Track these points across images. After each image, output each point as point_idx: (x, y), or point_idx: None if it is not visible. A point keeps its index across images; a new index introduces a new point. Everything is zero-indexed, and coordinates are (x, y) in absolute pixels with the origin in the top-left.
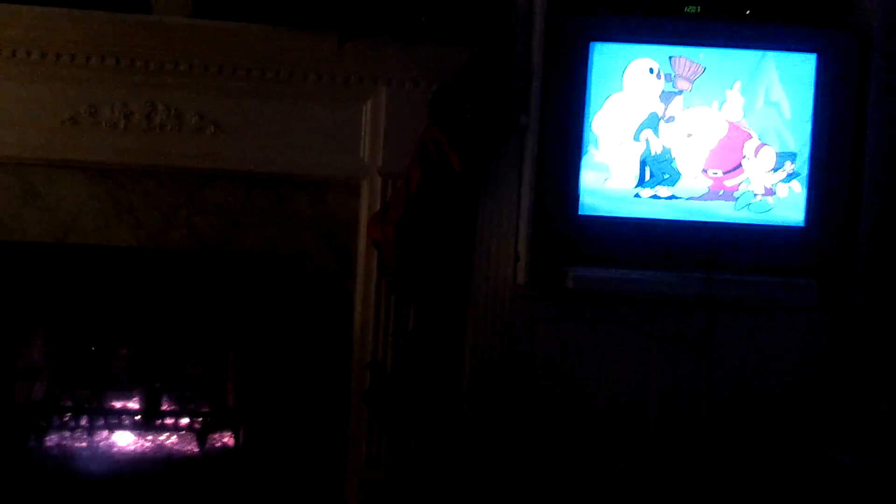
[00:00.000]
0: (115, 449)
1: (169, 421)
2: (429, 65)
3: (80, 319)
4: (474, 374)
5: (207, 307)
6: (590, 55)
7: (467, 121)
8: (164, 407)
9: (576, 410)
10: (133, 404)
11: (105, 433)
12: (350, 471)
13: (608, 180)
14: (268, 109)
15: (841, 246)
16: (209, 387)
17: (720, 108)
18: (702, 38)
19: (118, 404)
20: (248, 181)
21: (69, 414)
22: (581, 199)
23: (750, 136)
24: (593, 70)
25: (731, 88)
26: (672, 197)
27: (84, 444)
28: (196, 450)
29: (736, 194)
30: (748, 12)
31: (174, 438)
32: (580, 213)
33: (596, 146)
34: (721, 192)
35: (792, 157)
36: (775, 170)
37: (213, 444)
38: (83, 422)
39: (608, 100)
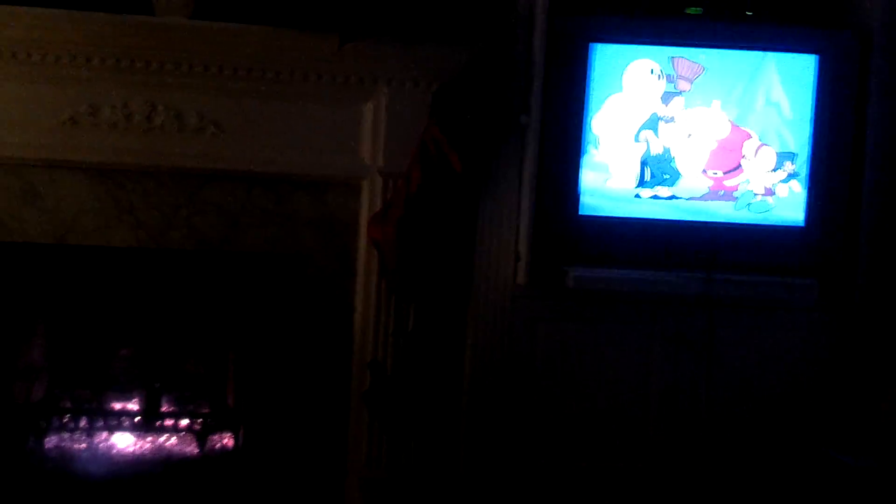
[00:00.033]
0: (115, 450)
1: (169, 422)
2: (429, 65)
3: (80, 320)
4: (475, 374)
5: (207, 307)
6: (590, 56)
7: (468, 121)
8: (164, 408)
9: (576, 410)
10: (133, 405)
11: (105, 434)
12: (350, 471)
13: (608, 180)
14: (268, 110)
15: (841, 246)
16: (209, 387)
17: (720, 109)
18: (702, 38)
19: (118, 405)
20: (249, 181)
21: (69, 415)
22: (581, 199)
23: (750, 137)
24: (594, 70)
25: (731, 89)
26: (672, 197)
27: (84, 445)
28: (196, 450)
29: (736, 194)
30: (749, 13)
31: (174, 439)
32: (580, 213)
33: (596, 146)
34: (721, 193)
35: (792, 157)
36: (775, 170)
37: (213, 445)
38: (83, 423)
39: (608, 100)
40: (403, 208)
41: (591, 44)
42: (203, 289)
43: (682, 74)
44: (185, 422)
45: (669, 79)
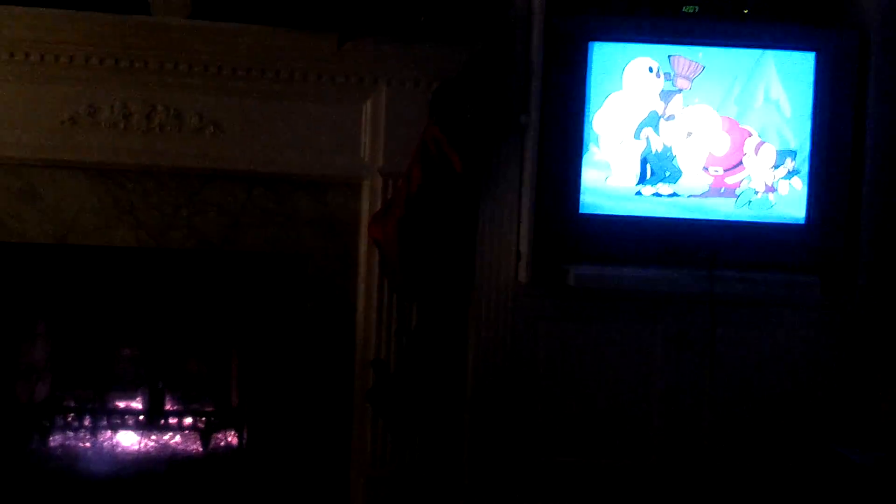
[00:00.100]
0: (119, 449)
1: (172, 420)
2: (429, 64)
3: (83, 320)
4: (477, 373)
5: (209, 307)
6: (589, 54)
7: (467, 120)
8: (168, 407)
9: (578, 408)
10: (136, 404)
11: (108, 433)
12: (355, 469)
13: (609, 178)
14: (268, 109)
15: (842, 242)
16: (212, 386)
17: (720, 106)
18: (701, 36)
19: (121, 404)
20: (249, 181)
21: (72, 414)
22: (582, 197)
23: (750, 134)
24: (593, 69)
25: (730, 87)
26: (673, 195)
27: (87, 445)
28: (200, 449)
29: (737, 192)
30: (746, 11)
31: (178, 438)
32: (581, 211)
33: (597, 144)
34: (722, 190)
35: (792, 154)
36: (776, 167)
37: (217, 444)
38: (86, 422)
39: (608, 98)
40: (404, 208)
41: (589, 42)
42: (205, 288)
43: (682, 72)
44: (188, 420)
45: (668, 77)
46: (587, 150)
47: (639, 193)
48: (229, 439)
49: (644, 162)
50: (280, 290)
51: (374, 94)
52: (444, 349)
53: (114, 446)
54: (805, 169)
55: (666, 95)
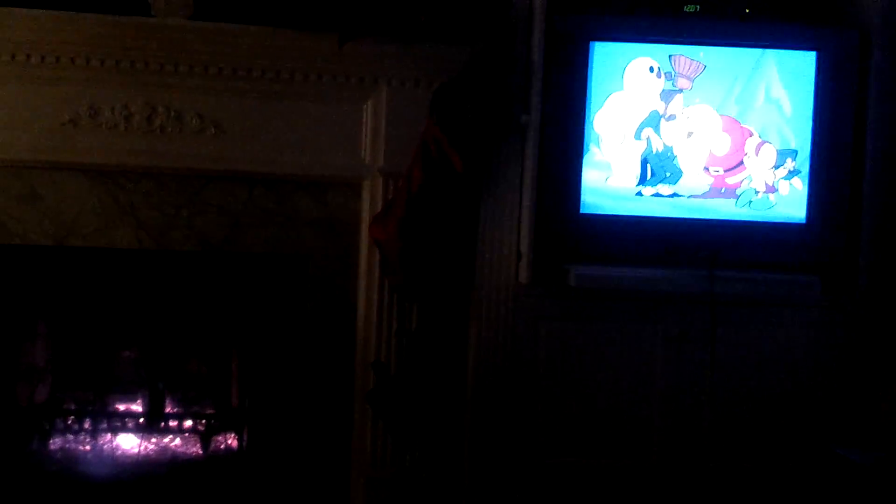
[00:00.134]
0: (119, 451)
1: (173, 422)
2: (429, 64)
3: (83, 321)
4: (478, 373)
5: (210, 308)
6: (590, 54)
7: (468, 120)
8: (168, 408)
9: (579, 408)
10: (136, 406)
11: (108, 435)
12: (355, 471)
13: (610, 179)
14: (268, 110)
15: (843, 242)
16: (213, 388)
17: (721, 106)
18: (701, 36)
19: (121, 406)
20: (250, 182)
21: (72, 416)
22: (583, 197)
23: (751, 134)
24: (594, 69)
25: (731, 86)
26: (674, 195)
27: (87, 447)
28: (200, 451)
29: (737, 192)
30: (747, 11)
31: (178, 440)
32: (582, 211)
33: (597, 145)
34: (723, 190)
35: (793, 154)
36: (776, 167)
37: (218, 446)
38: (86, 424)
39: (609, 98)
40: (405, 208)
41: (590, 42)
42: (205, 289)
43: (682, 72)
44: (188, 422)
45: (669, 76)
46: (588, 150)
47: (639, 194)
48: (230, 441)
49: (644, 162)
50: (280, 290)
51: (375, 94)
52: (445, 349)
53: (114, 449)
54: (806, 169)
55: (667, 95)
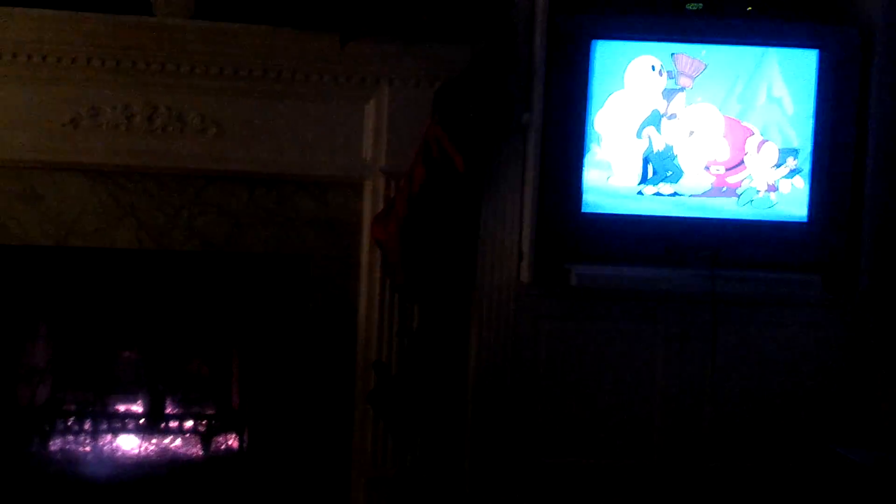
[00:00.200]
0: (120, 452)
1: (173, 423)
2: (431, 63)
3: (84, 322)
4: (479, 373)
5: (210, 308)
6: (591, 53)
7: (470, 119)
8: (169, 409)
9: (580, 408)
10: (137, 407)
11: (109, 436)
12: (356, 471)
13: (611, 178)
14: (270, 110)
15: (844, 241)
16: (213, 388)
17: (722, 105)
18: (703, 34)
19: (122, 407)
20: (251, 182)
21: (73, 417)
22: (584, 196)
23: (752, 133)
24: (595, 68)
25: (733, 85)
26: (675, 194)
27: (88, 448)
28: (201, 452)
29: (739, 191)
30: (750, 9)
31: (179, 441)
32: (583, 210)
33: (598, 144)
34: (724, 189)
35: (794, 153)
36: (778, 166)
37: (218, 446)
38: (87, 425)
39: (610, 97)
40: (406, 208)
41: (592, 41)
42: (206, 290)
43: (684, 71)
44: (189, 423)
45: (671, 75)
46: (589, 149)
47: (640, 193)
48: (230, 442)
49: (646, 161)
50: (281, 290)
51: (376, 94)
52: (446, 349)
53: (115, 449)
54: (807, 167)
55: (668, 94)
